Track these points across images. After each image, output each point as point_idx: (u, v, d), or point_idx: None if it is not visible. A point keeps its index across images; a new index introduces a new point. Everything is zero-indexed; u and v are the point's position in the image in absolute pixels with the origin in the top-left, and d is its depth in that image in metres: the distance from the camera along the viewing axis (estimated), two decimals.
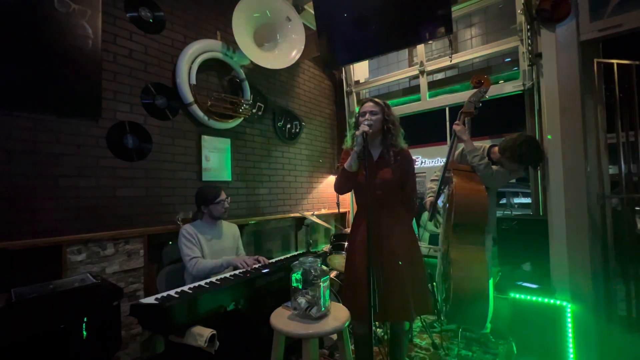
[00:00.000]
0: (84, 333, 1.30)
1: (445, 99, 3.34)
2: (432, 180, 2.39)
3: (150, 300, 1.44)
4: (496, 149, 2.14)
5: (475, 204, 1.93)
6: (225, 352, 1.43)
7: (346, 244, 2.53)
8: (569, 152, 2.00)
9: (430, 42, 3.42)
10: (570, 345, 1.87)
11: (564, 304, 1.91)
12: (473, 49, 3.16)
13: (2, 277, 1.62)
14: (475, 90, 2.10)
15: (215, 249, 2.02)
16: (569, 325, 1.88)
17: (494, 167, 2.08)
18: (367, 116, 1.64)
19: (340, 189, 1.76)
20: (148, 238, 2.19)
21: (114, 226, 2.08)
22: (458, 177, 2.03)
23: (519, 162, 2.03)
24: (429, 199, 2.27)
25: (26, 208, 1.77)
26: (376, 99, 1.72)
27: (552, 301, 1.95)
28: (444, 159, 2.16)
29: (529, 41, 2.33)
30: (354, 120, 1.78)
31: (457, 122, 2.10)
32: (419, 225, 3.22)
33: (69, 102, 1.92)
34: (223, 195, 2.04)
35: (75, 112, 1.95)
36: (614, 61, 2.15)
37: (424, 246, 2.74)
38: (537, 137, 2.55)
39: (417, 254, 1.72)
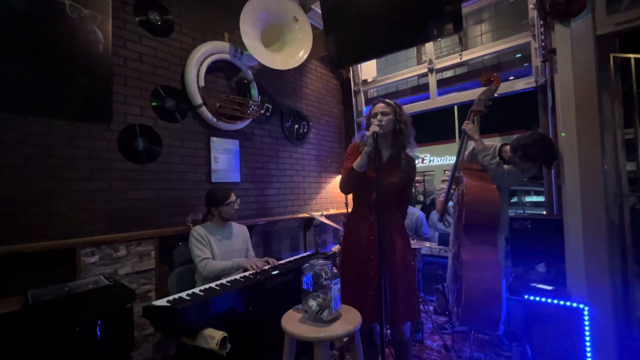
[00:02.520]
0: (98, 334, 1.32)
1: (455, 97, 3.30)
2: (443, 181, 2.36)
3: (162, 302, 1.46)
4: (508, 147, 2.09)
5: (487, 204, 1.89)
6: (236, 354, 1.43)
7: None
8: (585, 150, 1.94)
9: (439, 39, 3.38)
10: (587, 348, 1.82)
11: (581, 306, 1.86)
12: (483, 46, 3.11)
13: (18, 278, 1.66)
14: (485, 88, 2.07)
15: (225, 250, 2.03)
16: (586, 328, 1.83)
17: (505, 166, 2.04)
18: (378, 117, 1.63)
19: (347, 188, 1.74)
20: (159, 239, 2.22)
21: (125, 228, 2.10)
22: (468, 176, 2.00)
23: (532, 161, 1.98)
24: (439, 200, 2.24)
25: (41, 211, 1.80)
26: (387, 100, 1.71)
27: (568, 303, 1.90)
28: (453, 157, 2.13)
29: (542, 37, 2.28)
30: (362, 120, 1.77)
31: (467, 121, 2.07)
32: (428, 226, 3.19)
33: (81, 107, 1.95)
34: (233, 197, 2.06)
35: (87, 116, 1.98)
36: (631, 55, 2.08)
37: (434, 246, 2.71)
38: (550, 135, 2.50)
39: (410, 257, 1.71)
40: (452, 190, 2.17)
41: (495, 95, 2.09)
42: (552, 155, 2.02)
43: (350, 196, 1.82)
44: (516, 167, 2.03)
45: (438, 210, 2.23)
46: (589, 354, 1.81)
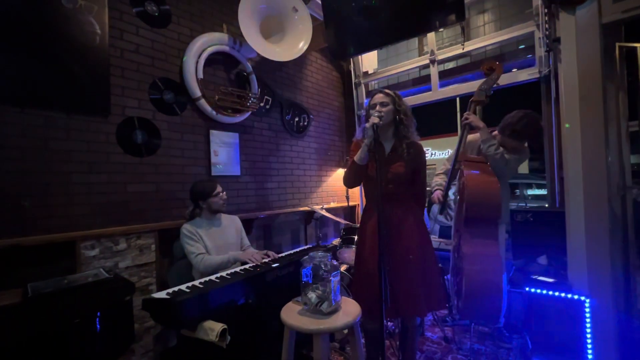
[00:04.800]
0: (98, 327, 1.32)
1: (457, 89, 3.26)
2: (438, 175, 2.36)
3: (162, 294, 1.46)
4: (496, 132, 2.08)
5: (488, 197, 1.87)
6: (236, 346, 1.44)
7: (356, 237, 2.51)
8: (588, 141, 1.92)
9: (441, 29, 3.33)
10: (588, 340, 1.82)
11: (582, 298, 1.85)
12: (486, 36, 3.06)
13: (18, 272, 1.66)
14: (486, 77, 2.04)
15: (218, 244, 2.02)
16: (587, 320, 1.83)
17: (505, 155, 2.02)
18: (377, 108, 1.60)
19: (349, 182, 1.73)
20: (159, 233, 2.21)
21: (125, 221, 2.10)
22: (469, 168, 1.98)
23: (520, 138, 1.98)
24: (436, 193, 2.24)
25: (40, 204, 1.79)
26: (386, 90, 1.68)
27: (569, 295, 1.90)
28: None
29: (546, 26, 2.23)
30: (362, 112, 1.74)
31: (468, 112, 2.04)
32: (429, 218, 3.17)
33: (78, 99, 1.93)
34: (219, 188, 2.04)
35: (84, 109, 1.96)
36: (638, 45, 2.04)
37: (435, 239, 2.70)
38: (554, 127, 2.48)
39: (428, 248, 1.68)
40: (452, 183, 2.16)
41: (497, 85, 2.06)
42: (538, 130, 2.01)
43: (351, 190, 1.81)
44: (508, 152, 2.01)
45: (435, 202, 2.21)
46: (589, 346, 1.81)
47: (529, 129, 1.94)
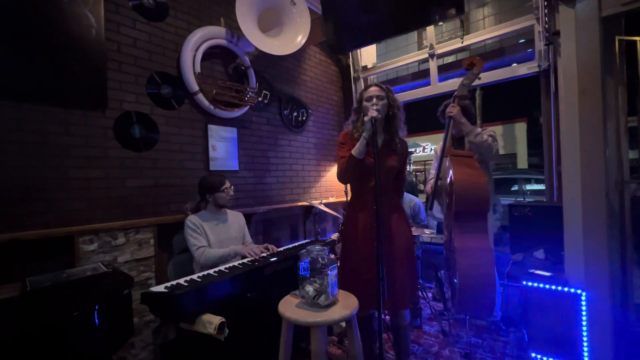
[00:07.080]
0: (97, 321, 1.33)
1: (456, 83, 3.22)
2: (431, 173, 2.38)
3: (160, 288, 1.46)
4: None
5: (476, 190, 1.87)
6: (234, 339, 1.45)
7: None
8: (587, 136, 1.92)
9: (441, 23, 3.31)
10: (584, 333, 1.83)
11: (579, 291, 1.87)
12: (486, 30, 3.04)
13: (17, 266, 1.66)
14: (467, 73, 2.05)
15: (221, 238, 2.03)
16: (583, 313, 1.84)
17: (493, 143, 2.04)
18: (374, 101, 1.60)
19: (347, 177, 1.71)
20: (158, 227, 2.22)
21: (124, 216, 2.10)
22: (455, 163, 1.98)
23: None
24: (427, 188, 2.27)
25: (38, 199, 1.79)
26: (380, 84, 1.69)
27: (565, 289, 1.91)
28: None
29: (546, 19, 2.22)
30: (357, 105, 1.73)
31: (452, 104, 2.03)
32: (427, 214, 3.19)
33: (75, 93, 1.91)
34: (227, 183, 2.05)
35: (82, 103, 1.95)
36: (637, 38, 2.03)
37: (429, 234, 2.73)
38: (552, 121, 2.49)
39: (410, 242, 1.72)
40: (440, 178, 2.17)
41: (480, 78, 2.08)
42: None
43: (349, 184, 1.81)
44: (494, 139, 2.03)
45: (428, 195, 2.22)
46: (585, 339, 1.83)
47: (444, 113, 2.06)
